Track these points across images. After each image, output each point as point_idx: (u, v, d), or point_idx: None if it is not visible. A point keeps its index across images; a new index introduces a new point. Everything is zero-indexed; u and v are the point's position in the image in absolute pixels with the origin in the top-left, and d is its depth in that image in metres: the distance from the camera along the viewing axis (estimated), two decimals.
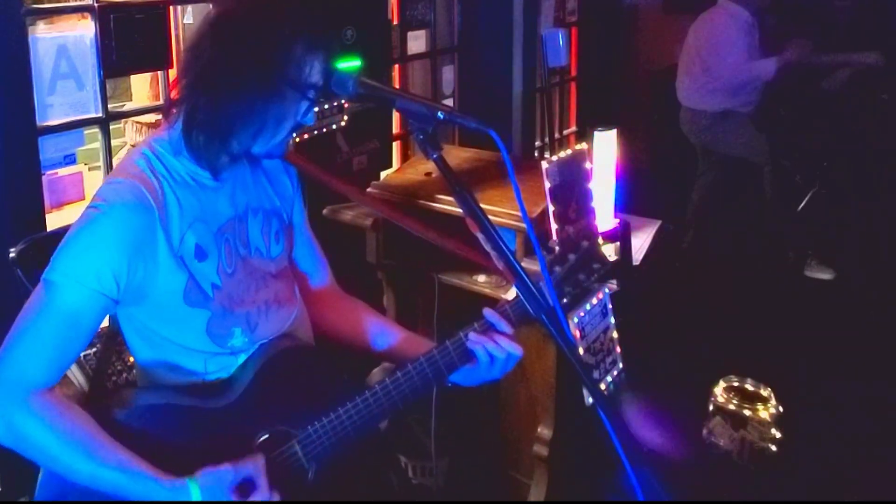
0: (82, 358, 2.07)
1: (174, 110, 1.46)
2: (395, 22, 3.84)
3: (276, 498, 1.41)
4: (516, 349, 1.53)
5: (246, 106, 1.38)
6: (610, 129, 2.63)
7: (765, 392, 2.87)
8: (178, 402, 1.44)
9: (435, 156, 1.34)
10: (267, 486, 1.40)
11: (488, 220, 1.32)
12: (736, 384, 2.92)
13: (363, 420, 1.49)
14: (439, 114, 1.33)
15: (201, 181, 1.46)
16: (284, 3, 1.43)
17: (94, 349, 1.77)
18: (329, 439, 1.49)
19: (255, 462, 1.41)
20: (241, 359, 1.51)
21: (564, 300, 1.58)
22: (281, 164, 1.65)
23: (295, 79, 1.39)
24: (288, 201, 1.65)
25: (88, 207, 1.38)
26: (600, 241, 1.71)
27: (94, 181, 3.71)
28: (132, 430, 1.38)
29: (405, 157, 3.99)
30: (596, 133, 2.62)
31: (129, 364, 1.73)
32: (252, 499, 1.39)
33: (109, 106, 2.68)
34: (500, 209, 2.30)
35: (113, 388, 1.69)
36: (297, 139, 2.98)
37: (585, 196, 2.41)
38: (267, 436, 1.48)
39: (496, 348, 1.52)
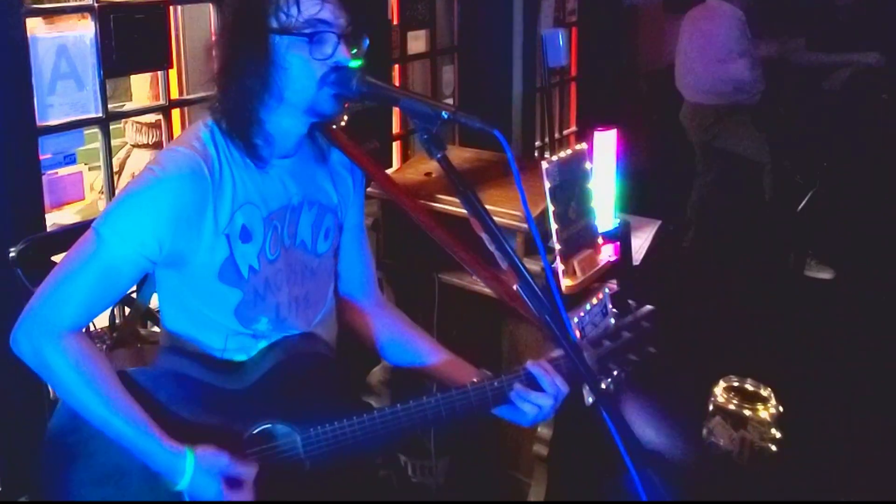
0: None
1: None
2: (395, 22, 3.83)
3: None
4: (549, 409, 1.53)
5: (245, 68, 1.40)
6: (610, 129, 2.63)
7: (765, 392, 2.87)
8: (193, 373, 1.49)
9: (439, 156, 1.33)
10: (251, 492, 1.44)
11: (492, 220, 1.32)
12: (736, 384, 2.92)
13: (367, 436, 1.49)
14: (443, 113, 1.32)
15: (260, 166, 1.49)
16: None
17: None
18: (329, 445, 1.49)
19: (250, 468, 1.44)
20: (262, 344, 1.53)
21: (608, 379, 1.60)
22: (348, 164, 1.66)
23: (282, 24, 1.39)
24: (346, 201, 1.66)
25: (146, 169, 1.43)
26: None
27: (94, 181, 3.71)
28: (144, 387, 1.45)
29: (405, 157, 3.98)
30: (596, 133, 2.63)
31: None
32: (234, 499, 1.42)
33: (109, 106, 2.67)
34: (501, 209, 2.30)
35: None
36: None
37: (585, 196, 2.41)
38: (268, 426, 1.50)
39: (532, 405, 1.52)
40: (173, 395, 1.46)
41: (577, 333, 2.36)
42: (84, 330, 1.48)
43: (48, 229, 2.50)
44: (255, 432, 1.50)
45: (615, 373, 1.59)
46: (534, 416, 1.52)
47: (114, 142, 2.85)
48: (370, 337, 1.74)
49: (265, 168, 1.48)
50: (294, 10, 1.39)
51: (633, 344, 1.61)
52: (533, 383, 1.51)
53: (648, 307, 1.65)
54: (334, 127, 1.60)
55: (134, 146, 4.07)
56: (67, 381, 1.39)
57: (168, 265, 1.46)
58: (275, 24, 1.40)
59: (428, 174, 2.61)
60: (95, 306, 1.44)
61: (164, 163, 1.42)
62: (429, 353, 1.70)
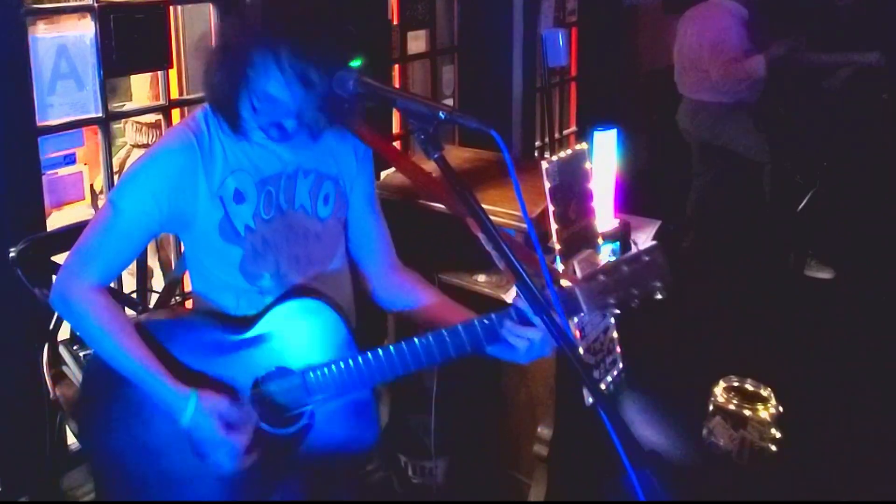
0: (81, 357, 2.11)
1: None
2: (395, 22, 3.83)
3: (245, 457, 1.59)
4: (542, 345, 1.54)
5: (221, 81, 1.57)
6: (610, 129, 2.63)
7: (765, 392, 2.87)
8: (203, 325, 1.68)
9: (436, 156, 1.33)
10: (248, 435, 1.58)
11: (489, 220, 1.32)
12: (736, 384, 2.93)
13: (362, 377, 1.60)
14: (440, 114, 1.33)
15: (253, 139, 1.65)
16: (269, 16, 1.55)
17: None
18: (328, 386, 1.61)
19: (250, 414, 1.61)
20: (268, 300, 1.68)
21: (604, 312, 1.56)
22: (350, 139, 1.78)
23: (248, 76, 1.53)
24: (348, 171, 1.78)
25: (153, 145, 1.69)
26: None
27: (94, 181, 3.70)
28: (161, 336, 1.64)
29: None
30: (596, 133, 2.63)
31: None
32: (230, 439, 1.56)
33: (109, 106, 2.67)
34: (501, 209, 2.30)
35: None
36: None
37: (585, 196, 2.41)
38: (273, 370, 1.64)
39: (523, 339, 1.54)
40: (185, 342, 1.65)
41: (577, 333, 2.37)
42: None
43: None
44: (262, 377, 1.64)
45: (614, 311, 1.53)
46: (526, 350, 1.54)
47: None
48: (372, 293, 1.86)
49: (256, 140, 1.65)
50: (260, 72, 1.52)
51: (634, 278, 1.50)
52: (523, 319, 1.53)
53: (653, 243, 1.57)
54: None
55: (134, 146, 4.07)
56: (88, 327, 1.61)
57: (179, 228, 1.67)
58: (249, 68, 1.52)
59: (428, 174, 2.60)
60: (113, 264, 1.66)
61: (161, 140, 1.68)
62: (422, 293, 1.81)
